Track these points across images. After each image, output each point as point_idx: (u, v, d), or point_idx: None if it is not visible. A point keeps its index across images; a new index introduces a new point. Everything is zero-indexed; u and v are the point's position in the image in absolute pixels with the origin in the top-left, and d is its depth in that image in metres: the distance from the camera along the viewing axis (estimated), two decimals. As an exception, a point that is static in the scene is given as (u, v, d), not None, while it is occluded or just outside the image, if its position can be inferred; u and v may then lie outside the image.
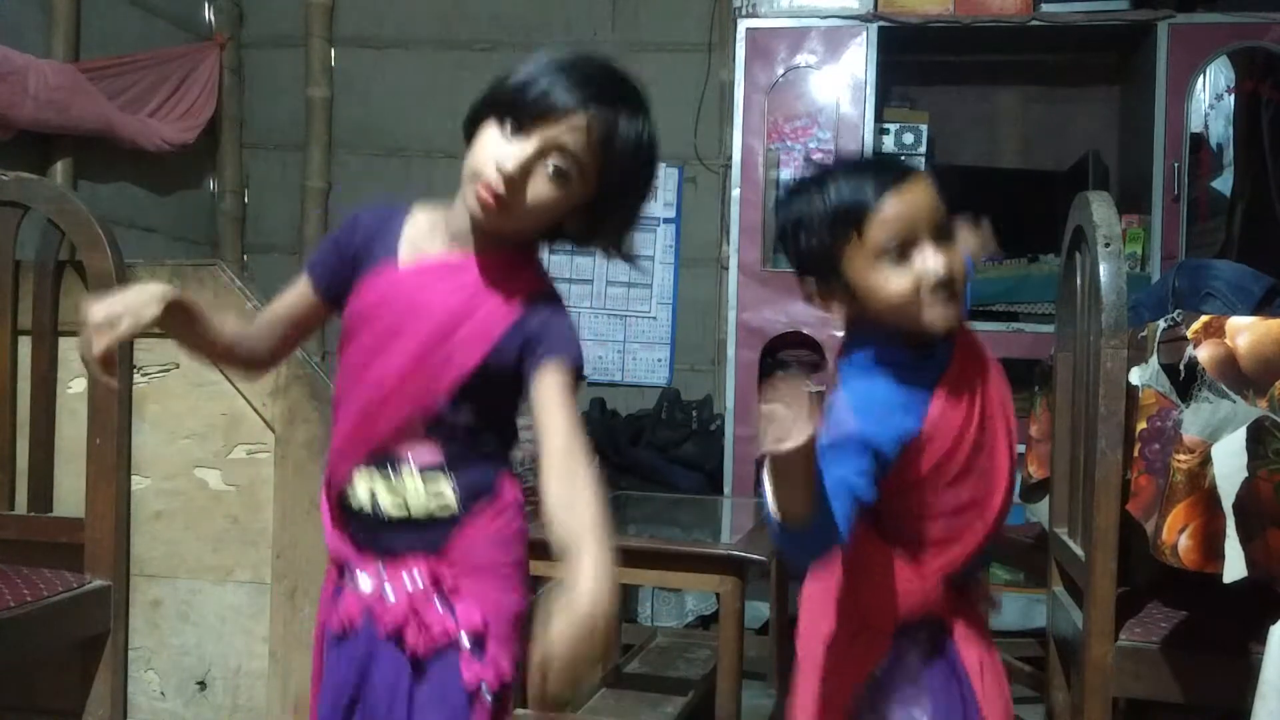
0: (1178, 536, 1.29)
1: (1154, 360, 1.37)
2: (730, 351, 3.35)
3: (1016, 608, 3.13)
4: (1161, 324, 1.38)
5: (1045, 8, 3.27)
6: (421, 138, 4.06)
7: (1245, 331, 1.28)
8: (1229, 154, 3.44)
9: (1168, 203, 3.19)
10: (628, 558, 2.14)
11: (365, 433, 1.19)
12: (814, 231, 1.19)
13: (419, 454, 1.19)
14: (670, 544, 2.20)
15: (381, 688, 1.18)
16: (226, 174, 4.19)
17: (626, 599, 3.23)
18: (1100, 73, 3.73)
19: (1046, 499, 2.04)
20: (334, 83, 4.15)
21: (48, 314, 2.00)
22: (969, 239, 1.41)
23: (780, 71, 3.35)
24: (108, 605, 1.94)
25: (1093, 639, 1.51)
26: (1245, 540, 1.21)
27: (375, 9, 4.17)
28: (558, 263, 3.98)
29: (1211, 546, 1.26)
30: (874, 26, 3.30)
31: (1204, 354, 1.28)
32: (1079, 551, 1.67)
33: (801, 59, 3.34)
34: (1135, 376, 1.40)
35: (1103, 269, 1.54)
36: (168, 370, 2.02)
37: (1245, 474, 1.20)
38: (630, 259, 1.25)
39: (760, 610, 3.03)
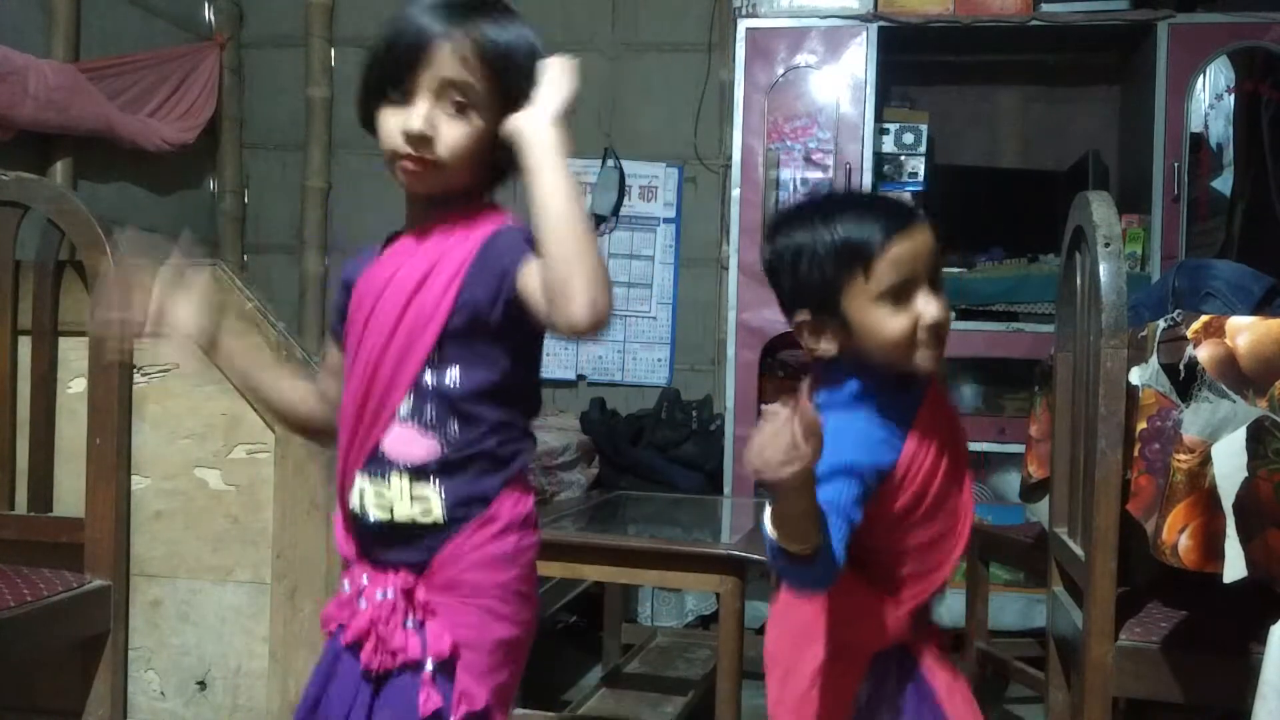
0: (1178, 536, 1.29)
1: (1154, 360, 1.37)
2: (730, 351, 3.35)
3: (1016, 608, 3.14)
4: (1161, 324, 1.38)
5: (1045, 8, 3.27)
6: (421, 138, 4.06)
7: (1245, 331, 1.28)
8: (1229, 154, 3.45)
9: (1168, 203, 3.19)
10: (628, 558, 2.15)
11: (362, 423, 1.17)
12: (817, 264, 1.19)
13: (412, 449, 1.15)
14: (670, 544, 2.20)
15: (338, 700, 1.16)
16: (226, 174, 4.19)
17: (627, 599, 3.24)
18: (1100, 73, 3.73)
19: (1046, 499, 2.04)
20: (334, 83, 4.16)
21: (48, 314, 1.99)
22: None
23: (780, 71, 3.35)
24: (108, 605, 1.94)
25: (1093, 639, 1.51)
26: (1245, 540, 1.21)
27: (375, 9, 4.16)
28: (558, 263, 3.98)
29: (1211, 546, 1.26)
30: (874, 26, 3.30)
31: (1204, 354, 1.28)
32: (1079, 551, 1.67)
33: (801, 59, 3.34)
34: (1135, 376, 1.40)
35: (1103, 269, 1.54)
36: (168, 370, 2.02)
37: (1245, 474, 1.20)
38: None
39: (760, 610, 3.02)
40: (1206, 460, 1.24)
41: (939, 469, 1.21)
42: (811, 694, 1.23)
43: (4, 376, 2.00)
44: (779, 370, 3.47)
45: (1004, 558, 2.64)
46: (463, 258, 1.14)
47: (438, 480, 1.14)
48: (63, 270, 2.01)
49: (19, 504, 1.99)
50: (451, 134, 1.14)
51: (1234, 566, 1.20)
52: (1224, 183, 3.42)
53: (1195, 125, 3.27)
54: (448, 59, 1.13)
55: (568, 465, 3.27)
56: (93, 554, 1.94)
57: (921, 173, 3.37)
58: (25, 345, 2.00)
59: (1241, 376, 1.27)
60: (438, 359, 1.14)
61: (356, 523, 1.19)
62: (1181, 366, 1.30)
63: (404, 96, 1.14)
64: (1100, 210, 1.60)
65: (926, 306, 1.17)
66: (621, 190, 3.94)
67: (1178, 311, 1.38)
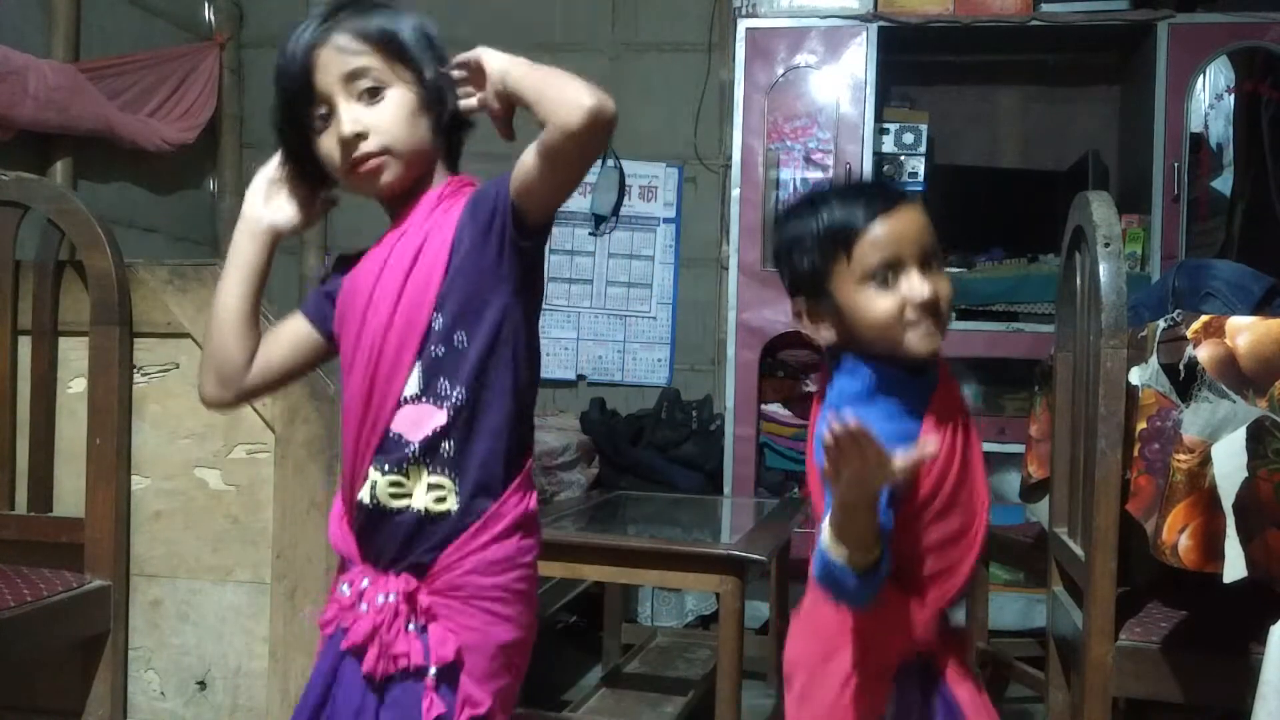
0: (1178, 536, 1.29)
1: (1154, 360, 1.37)
2: (730, 351, 3.35)
3: (1016, 608, 3.13)
4: (1161, 324, 1.38)
5: (1045, 8, 3.27)
6: (421, 138, 4.06)
7: (1245, 331, 1.28)
8: (1229, 154, 3.45)
9: (1168, 203, 3.19)
10: (628, 558, 2.15)
11: (369, 410, 1.17)
12: (806, 252, 1.21)
13: (422, 424, 1.14)
14: (670, 544, 2.20)
15: (344, 708, 1.16)
16: (226, 174, 4.18)
17: (627, 599, 3.24)
18: (1100, 73, 3.73)
19: (1046, 499, 2.04)
20: (334, 83, 4.16)
21: (48, 314, 2.00)
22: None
23: (780, 71, 3.35)
24: (107, 605, 1.94)
25: (1093, 639, 1.51)
26: (1245, 540, 1.21)
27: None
28: (557, 263, 3.99)
29: (1211, 546, 1.26)
30: (874, 26, 3.30)
31: (1204, 354, 1.28)
32: (1079, 551, 1.67)
33: (801, 59, 3.34)
34: (1135, 376, 1.40)
35: (1103, 269, 1.54)
36: (168, 370, 2.02)
37: (1245, 474, 1.20)
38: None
39: (760, 610, 3.03)
40: (1206, 460, 1.24)
41: (954, 456, 1.21)
42: (841, 703, 1.23)
43: (4, 376, 2.00)
44: (779, 370, 3.48)
45: (1004, 558, 2.64)
46: (452, 221, 1.17)
47: (450, 469, 1.14)
48: (63, 270, 2.01)
49: (19, 504, 1.99)
50: (381, 117, 1.17)
51: (1234, 566, 1.20)
52: (1224, 183, 3.42)
53: (1195, 125, 3.27)
54: (334, 56, 1.17)
55: (568, 465, 3.27)
56: (93, 554, 1.94)
57: (921, 173, 3.37)
58: (25, 345, 2.00)
59: (1241, 376, 1.27)
60: (440, 324, 1.15)
61: (364, 518, 1.18)
62: (1181, 366, 1.30)
63: (323, 120, 1.18)
64: (1100, 210, 1.60)
65: (913, 286, 1.17)
66: (621, 190, 3.94)
67: (1178, 311, 1.38)
